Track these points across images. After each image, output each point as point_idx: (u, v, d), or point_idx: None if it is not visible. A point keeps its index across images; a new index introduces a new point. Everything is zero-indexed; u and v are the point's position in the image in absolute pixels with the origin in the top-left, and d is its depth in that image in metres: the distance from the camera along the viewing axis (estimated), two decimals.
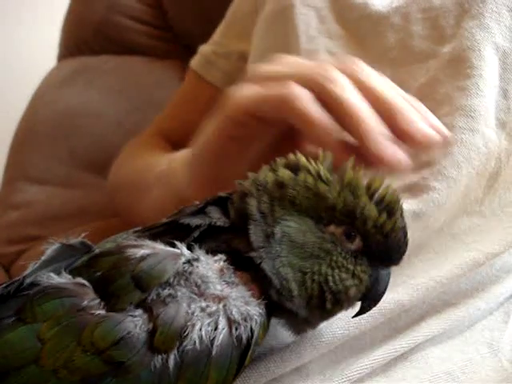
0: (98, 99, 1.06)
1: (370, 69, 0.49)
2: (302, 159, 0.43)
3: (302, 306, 0.41)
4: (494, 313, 0.55)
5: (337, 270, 0.41)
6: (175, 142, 0.87)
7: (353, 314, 0.45)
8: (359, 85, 0.47)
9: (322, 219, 0.41)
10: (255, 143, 0.53)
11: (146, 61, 1.12)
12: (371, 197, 0.42)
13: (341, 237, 0.41)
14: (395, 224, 0.42)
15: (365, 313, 0.44)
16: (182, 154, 0.66)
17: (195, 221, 0.42)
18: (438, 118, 0.57)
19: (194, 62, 0.89)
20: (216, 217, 0.42)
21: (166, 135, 0.89)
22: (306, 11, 0.72)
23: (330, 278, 0.41)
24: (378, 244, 0.42)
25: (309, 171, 0.42)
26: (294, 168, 0.42)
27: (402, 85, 0.62)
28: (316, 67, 0.49)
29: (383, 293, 0.44)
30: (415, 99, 0.49)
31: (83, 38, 1.15)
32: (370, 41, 0.68)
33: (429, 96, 0.60)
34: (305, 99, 0.47)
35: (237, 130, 0.51)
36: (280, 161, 0.43)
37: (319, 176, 0.42)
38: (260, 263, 0.40)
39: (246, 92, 0.50)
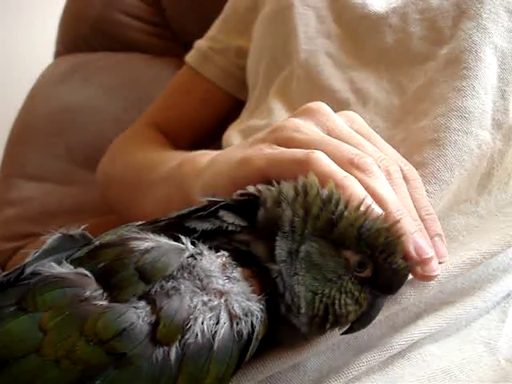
0: (95, 96, 1.06)
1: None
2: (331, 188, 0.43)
3: (304, 323, 0.42)
4: (491, 311, 0.55)
5: (344, 295, 0.42)
6: (167, 132, 0.87)
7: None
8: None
9: (343, 243, 0.42)
10: None
11: (143, 58, 1.11)
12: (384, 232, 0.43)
13: (354, 264, 0.43)
14: (405, 262, 0.44)
15: (352, 333, 0.46)
16: (197, 160, 0.62)
17: (202, 225, 0.42)
18: (433, 117, 0.57)
19: (190, 57, 0.89)
20: (229, 221, 0.42)
21: (158, 126, 0.88)
22: (306, 11, 0.72)
23: (336, 301, 0.42)
24: (386, 277, 0.43)
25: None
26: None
27: (400, 86, 0.63)
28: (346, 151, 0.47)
29: (374, 318, 0.45)
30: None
31: (80, 35, 1.15)
32: (368, 41, 0.68)
33: (425, 97, 0.60)
34: (326, 162, 0.46)
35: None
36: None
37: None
38: (276, 277, 0.41)
39: (261, 155, 0.49)
